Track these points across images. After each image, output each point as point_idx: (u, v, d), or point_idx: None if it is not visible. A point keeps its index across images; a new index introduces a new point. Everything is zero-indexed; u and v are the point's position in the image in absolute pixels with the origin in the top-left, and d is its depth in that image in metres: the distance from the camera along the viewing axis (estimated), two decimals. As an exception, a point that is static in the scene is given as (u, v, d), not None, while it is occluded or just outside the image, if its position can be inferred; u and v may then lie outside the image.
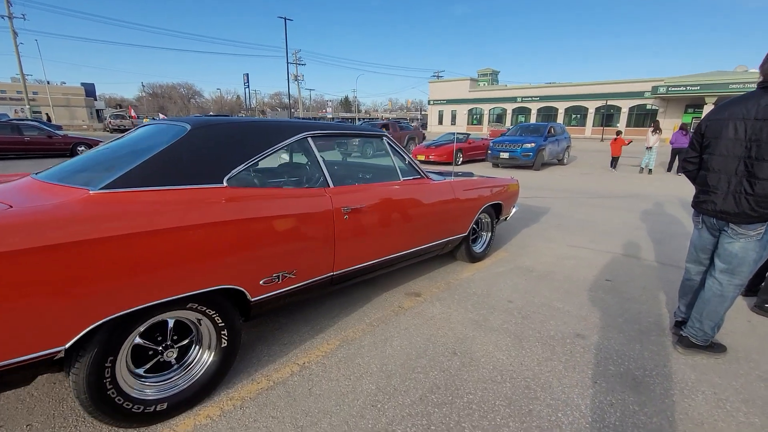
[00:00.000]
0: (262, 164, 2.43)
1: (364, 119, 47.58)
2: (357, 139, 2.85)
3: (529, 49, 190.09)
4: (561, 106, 38.93)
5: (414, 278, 3.55)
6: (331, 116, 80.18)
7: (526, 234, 5.14)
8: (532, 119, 40.06)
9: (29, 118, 27.75)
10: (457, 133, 16.57)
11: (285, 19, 38.40)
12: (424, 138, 20.06)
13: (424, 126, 51.40)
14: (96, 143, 15.77)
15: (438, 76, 57.12)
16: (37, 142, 14.30)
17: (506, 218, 4.44)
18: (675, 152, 11.74)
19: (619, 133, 13.13)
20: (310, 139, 2.44)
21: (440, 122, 47.05)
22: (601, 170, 12.53)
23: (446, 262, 3.96)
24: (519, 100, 41.44)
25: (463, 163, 14.10)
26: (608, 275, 3.69)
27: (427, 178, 3.22)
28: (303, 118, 38.97)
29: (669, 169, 12.19)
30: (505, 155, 12.55)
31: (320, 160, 2.43)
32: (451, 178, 3.50)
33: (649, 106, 34.23)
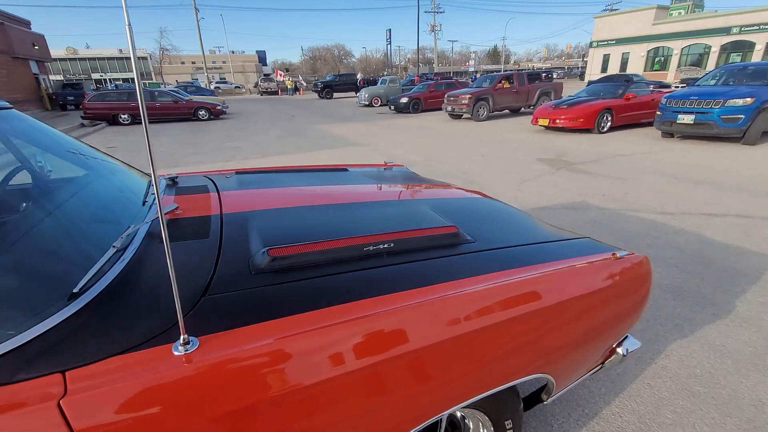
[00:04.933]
0: None
1: (514, 71, 40.74)
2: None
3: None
4: (814, 35, 25.60)
5: None
6: (473, 70, 73.38)
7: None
8: (755, 58, 27.66)
9: (207, 87, 31.74)
10: (600, 80, 11.42)
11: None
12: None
13: (582, 76, 41.99)
14: (214, 107, 16.45)
15: (611, 9, 44.89)
16: (166, 107, 15.56)
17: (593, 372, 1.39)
18: None
19: None
20: None
21: (604, 70, 37.01)
22: None
23: None
24: (736, 30, 28.89)
25: (611, 129, 9.48)
26: None
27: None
28: (434, 74, 35.29)
29: None
30: (687, 119, 7.63)
31: None
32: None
33: None
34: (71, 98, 21.20)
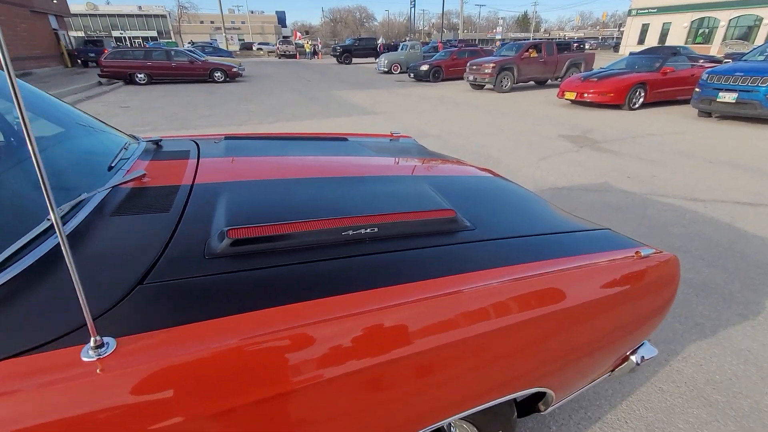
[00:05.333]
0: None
1: (544, 39, 38.15)
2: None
3: None
4: None
5: None
6: (500, 38, 69.71)
7: None
8: (812, 33, 25.26)
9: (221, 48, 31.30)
10: (643, 52, 10.62)
11: None
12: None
13: (616, 47, 39.65)
14: (230, 69, 16.12)
15: (655, -26, 41.31)
16: (181, 68, 15.29)
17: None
18: None
19: None
20: None
21: (641, 41, 34.60)
22: None
23: None
24: (793, 1, 26.40)
25: (644, 106, 8.87)
26: None
27: None
28: (458, 41, 33.56)
29: None
30: (728, 97, 7.04)
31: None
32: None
33: None
34: (92, 55, 21.07)
